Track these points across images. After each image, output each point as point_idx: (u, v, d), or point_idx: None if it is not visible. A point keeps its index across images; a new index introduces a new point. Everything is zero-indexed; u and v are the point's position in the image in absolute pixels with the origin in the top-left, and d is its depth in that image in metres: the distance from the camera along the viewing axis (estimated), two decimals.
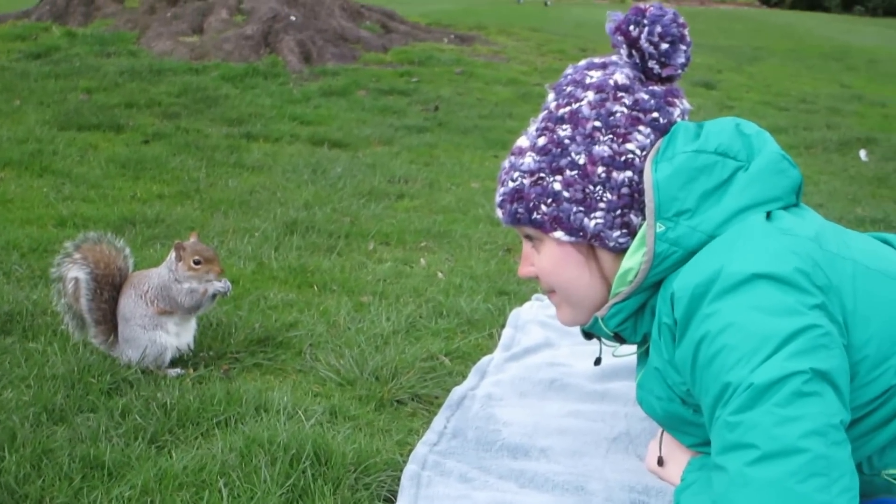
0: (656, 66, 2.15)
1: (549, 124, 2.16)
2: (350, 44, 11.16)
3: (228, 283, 3.14)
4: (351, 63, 10.47)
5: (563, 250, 2.15)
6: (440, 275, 4.11)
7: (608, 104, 2.12)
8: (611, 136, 2.09)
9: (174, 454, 2.47)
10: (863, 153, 7.75)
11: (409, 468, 2.40)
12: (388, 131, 7.57)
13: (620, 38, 2.16)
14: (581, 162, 2.09)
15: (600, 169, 2.08)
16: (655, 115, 2.12)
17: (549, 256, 2.18)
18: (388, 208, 5.26)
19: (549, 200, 2.11)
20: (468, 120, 8.22)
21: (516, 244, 4.66)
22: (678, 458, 2.32)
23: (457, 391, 2.89)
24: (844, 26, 21.91)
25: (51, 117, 7.13)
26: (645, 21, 2.13)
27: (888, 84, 13.28)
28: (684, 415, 2.12)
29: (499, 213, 2.24)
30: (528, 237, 2.23)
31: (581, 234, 2.11)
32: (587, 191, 2.09)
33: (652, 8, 2.15)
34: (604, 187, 2.08)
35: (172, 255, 3.07)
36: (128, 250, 3.21)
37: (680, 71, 2.17)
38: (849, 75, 13.53)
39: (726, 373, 1.80)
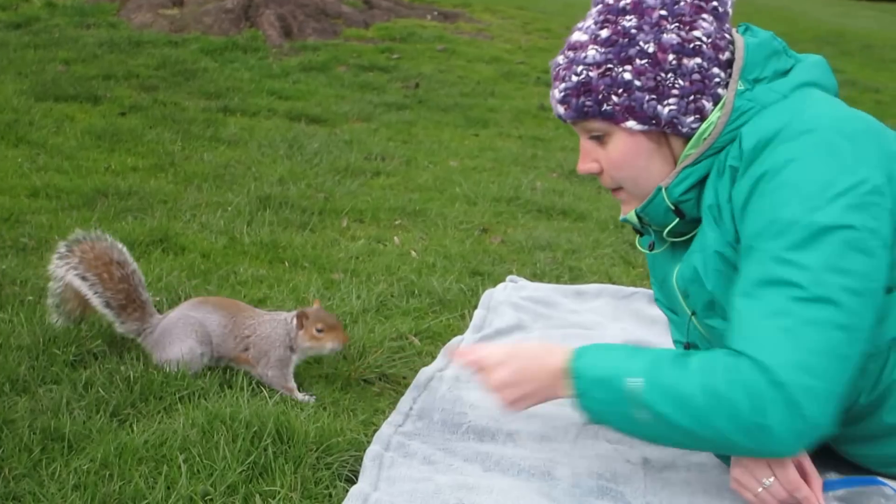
0: None
1: (610, 16, 2.16)
2: (331, 19, 11.08)
3: (307, 398, 2.80)
4: (332, 38, 10.41)
5: (635, 140, 2.17)
6: (413, 253, 4.08)
7: None
8: (677, 23, 2.12)
9: (135, 428, 2.44)
10: None
11: (373, 448, 2.38)
12: (367, 108, 7.52)
13: None
14: (651, 50, 2.11)
15: (671, 56, 2.10)
16: (715, 3, 2.17)
17: (620, 148, 2.19)
18: (364, 185, 5.22)
19: (620, 90, 2.12)
20: (449, 98, 8.19)
21: (493, 224, 4.64)
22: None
23: (424, 372, 2.86)
24: (841, 9, 21.83)
25: (28, 88, 7.05)
26: None
27: (882, 70, 13.29)
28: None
29: (560, 109, 2.21)
30: (591, 133, 2.22)
31: (654, 121, 2.13)
32: (659, 78, 2.11)
33: None
34: (675, 74, 2.11)
35: (294, 321, 2.82)
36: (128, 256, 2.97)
37: None
38: (843, 60, 13.40)
39: (782, 208, 1.93)
